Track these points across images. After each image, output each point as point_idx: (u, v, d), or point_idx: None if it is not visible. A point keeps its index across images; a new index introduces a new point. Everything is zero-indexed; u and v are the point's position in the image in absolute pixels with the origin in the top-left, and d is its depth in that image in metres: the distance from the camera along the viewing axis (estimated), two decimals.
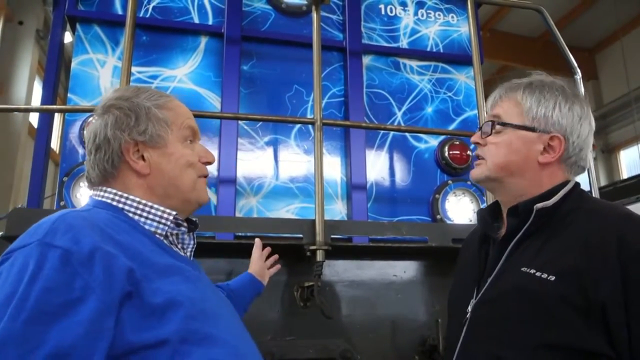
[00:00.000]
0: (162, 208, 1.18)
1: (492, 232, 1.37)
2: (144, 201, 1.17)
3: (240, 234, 2.36)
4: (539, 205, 1.23)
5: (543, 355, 1.10)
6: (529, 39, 13.79)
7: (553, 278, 1.12)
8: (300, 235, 2.23)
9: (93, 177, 1.21)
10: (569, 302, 1.09)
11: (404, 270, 2.54)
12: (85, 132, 2.29)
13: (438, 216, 2.88)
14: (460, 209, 2.89)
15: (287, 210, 2.78)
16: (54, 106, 2.78)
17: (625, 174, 14.25)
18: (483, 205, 2.74)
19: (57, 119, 4.99)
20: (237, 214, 2.65)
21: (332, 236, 2.26)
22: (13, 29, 11.08)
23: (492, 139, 1.34)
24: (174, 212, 1.19)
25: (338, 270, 2.46)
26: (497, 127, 1.34)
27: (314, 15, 2.44)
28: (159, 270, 1.04)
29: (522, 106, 1.32)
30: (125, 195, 1.17)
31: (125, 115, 1.19)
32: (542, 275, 1.14)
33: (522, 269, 1.19)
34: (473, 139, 1.40)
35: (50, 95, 2.86)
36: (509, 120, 1.33)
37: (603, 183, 13.62)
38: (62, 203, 2.43)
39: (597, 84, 15.14)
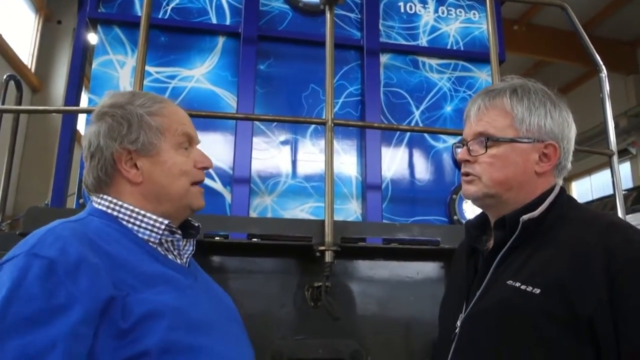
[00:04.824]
0: (154, 217, 1.19)
1: (479, 244, 1.34)
2: (137, 209, 1.19)
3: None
4: (525, 217, 1.20)
5: None
6: (567, 32, 13.34)
7: (538, 291, 1.09)
8: None
9: (89, 183, 1.23)
10: (555, 317, 1.06)
11: (417, 271, 2.51)
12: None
13: (455, 217, 2.84)
14: (477, 210, 2.83)
15: (301, 210, 2.78)
16: (72, 107, 2.86)
17: None
18: None
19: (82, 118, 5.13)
20: (252, 213, 2.67)
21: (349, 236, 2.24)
22: (52, 28, 11.50)
23: (484, 155, 1.28)
24: (166, 221, 1.20)
25: (350, 271, 2.45)
26: (489, 143, 1.27)
27: (327, 15, 2.43)
28: (145, 279, 1.06)
29: (511, 115, 1.27)
30: (120, 203, 1.19)
31: (118, 123, 1.20)
32: (527, 289, 1.11)
33: (508, 282, 1.16)
34: (460, 156, 1.33)
35: (73, 95, 2.95)
36: (501, 134, 1.27)
37: None
38: (80, 201, 2.51)
39: (638, 78, 14.60)
